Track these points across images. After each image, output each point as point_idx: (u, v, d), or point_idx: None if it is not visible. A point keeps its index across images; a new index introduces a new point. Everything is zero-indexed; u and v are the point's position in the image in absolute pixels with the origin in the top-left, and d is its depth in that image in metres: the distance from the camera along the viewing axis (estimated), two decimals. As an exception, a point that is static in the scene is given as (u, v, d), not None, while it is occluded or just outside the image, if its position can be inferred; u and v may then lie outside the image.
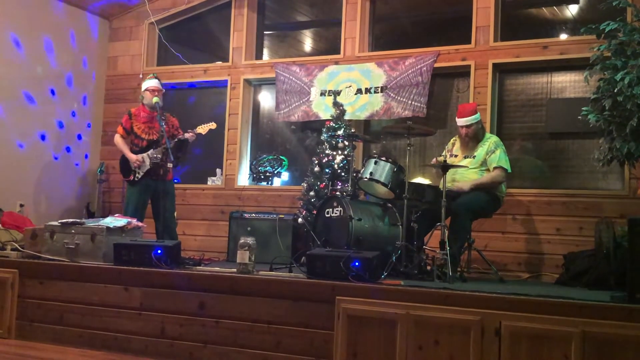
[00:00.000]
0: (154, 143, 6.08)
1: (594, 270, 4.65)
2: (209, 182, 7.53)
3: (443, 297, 3.82)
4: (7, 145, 6.91)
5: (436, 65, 6.46)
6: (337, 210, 5.14)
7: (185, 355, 4.40)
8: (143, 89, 6.27)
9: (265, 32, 7.78)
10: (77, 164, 7.77)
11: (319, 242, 5.09)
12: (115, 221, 5.29)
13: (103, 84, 8.09)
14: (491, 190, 5.25)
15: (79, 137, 7.79)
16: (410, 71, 6.53)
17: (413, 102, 6.45)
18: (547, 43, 6.16)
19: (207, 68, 7.67)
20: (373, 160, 5.10)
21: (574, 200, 5.87)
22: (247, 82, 7.48)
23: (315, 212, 5.53)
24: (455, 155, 5.43)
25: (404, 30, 7.35)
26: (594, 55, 4.94)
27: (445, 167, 4.81)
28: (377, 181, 5.00)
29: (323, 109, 6.82)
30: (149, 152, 6.04)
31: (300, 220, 6.04)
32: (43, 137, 7.34)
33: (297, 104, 7.04)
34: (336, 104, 6.36)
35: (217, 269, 4.89)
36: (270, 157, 7.22)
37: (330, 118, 6.33)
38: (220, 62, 7.68)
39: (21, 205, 6.92)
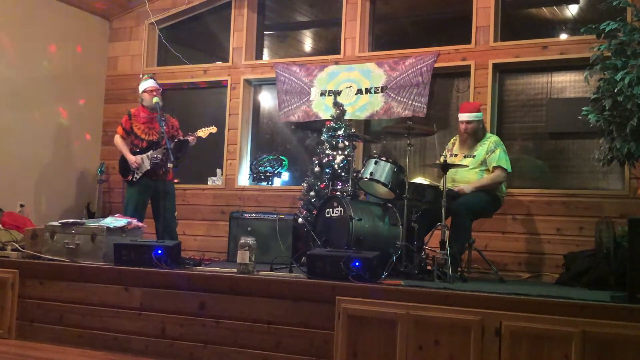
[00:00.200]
0: (153, 144, 6.08)
1: (594, 270, 4.64)
2: (209, 182, 7.53)
3: (443, 297, 3.82)
4: (7, 145, 6.91)
5: (436, 65, 6.46)
6: (338, 210, 5.14)
7: (186, 355, 4.40)
8: (141, 90, 6.25)
9: (265, 32, 7.78)
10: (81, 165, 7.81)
11: (319, 242, 5.09)
12: (115, 221, 5.29)
13: (103, 84, 8.09)
14: (491, 191, 5.25)
15: (80, 137, 7.79)
16: (410, 71, 6.53)
17: (413, 102, 6.45)
18: (547, 43, 6.16)
19: (207, 68, 7.67)
20: (373, 160, 5.10)
21: (574, 200, 5.87)
22: (247, 82, 7.48)
23: (315, 212, 5.53)
24: (455, 155, 5.43)
25: (404, 31, 7.35)
26: (594, 55, 4.94)
27: (445, 167, 4.81)
28: (378, 181, 5.00)
29: (323, 109, 6.83)
30: (149, 153, 6.05)
31: (300, 220, 6.04)
32: (43, 138, 7.34)
33: (297, 104, 7.04)
34: (336, 104, 6.36)
35: (217, 269, 4.89)
36: (271, 157, 7.22)
37: (331, 118, 6.33)
38: (220, 62, 7.68)
39: (21, 206, 6.92)
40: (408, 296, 3.87)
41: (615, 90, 4.61)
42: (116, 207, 7.50)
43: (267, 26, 7.78)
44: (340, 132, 6.13)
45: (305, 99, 6.99)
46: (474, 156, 5.32)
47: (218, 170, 7.49)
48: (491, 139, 5.38)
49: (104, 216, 6.00)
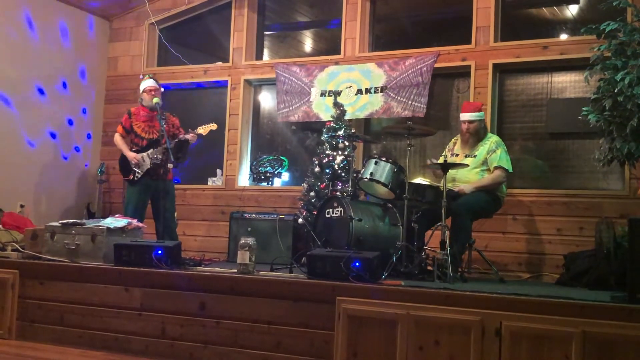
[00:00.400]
0: (154, 142, 6.08)
1: (594, 270, 4.64)
2: (209, 183, 7.53)
3: (443, 298, 3.81)
4: (7, 146, 6.91)
5: (436, 65, 6.46)
6: (338, 211, 5.14)
7: (186, 355, 4.40)
8: (141, 90, 6.27)
9: (265, 33, 7.78)
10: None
11: (319, 243, 5.09)
12: (115, 222, 5.29)
13: (103, 84, 8.09)
14: (492, 191, 5.25)
15: (81, 137, 7.79)
16: (410, 71, 6.53)
17: (413, 102, 6.45)
18: (547, 43, 6.16)
19: (207, 68, 7.68)
20: (373, 160, 5.10)
21: (574, 201, 5.87)
22: (248, 82, 7.48)
23: (315, 212, 5.53)
24: (456, 155, 5.43)
25: (404, 31, 7.35)
26: (594, 56, 4.94)
27: (445, 167, 4.81)
28: (378, 181, 5.00)
29: (323, 110, 6.83)
30: (149, 152, 6.05)
31: (300, 220, 6.05)
32: (43, 139, 7.34)
33: (297, 104, 7.04)
34: (336, 105, 6.36)
35: (217, 269, 4.89)
36: (271, 157, 7.22)
37: (331, 119, 6.33)
38: (221, 63, 7.68)
39: (22, 206, 6.92)
40: (408, 296, 3.87)
41: (616, 91, 4.61)
42: (116, 207, 7.50)
43: (267, 26, 7.78)
44: (341, 133, 6.13)
45: (306, 99, 6.99)
46: (475, 156, 5.32)
47: (218, 171, 7.49)
48: (492, 139, 5.38)
49: (104, 216, 6.00)
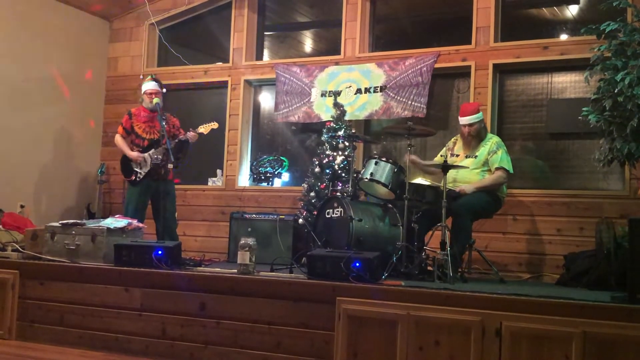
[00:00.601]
0: (154, 143, 6.08)
1: (594, 270, 4.64)
2: (210, 183, 7.53)
3: (444, 298, 3.81)
4: (7, 145, 6.91)
5: (436, 65, 6.46)
6: (338, 211, 5.14)
7: (186, 355, 4.40)
8: (142, 92, 6.28)
9: (265, 33, 7.78)
10: (81, 165, 7.82)
11: (319, 243, 5.09)
12: (115, 222, 5.29)
13: (103, 85, 8.09)
14: (492, 191, 5.25)
15: (80, 138, 7.80)
16: (410, 71, 6.53)
17: (413, 102, 6.45)
18: (547, 43, 6.16)
19: (207, 69, 7.68)
20: (373, 160, 5.10)
21: (574, 201, 5.87)
22: (248, 82, 7.49)
23: (315, 212, 5.53)
24: (457, 155, 5.43)
25: (404, 31, 7.35)
26: (595, 56, 4.94)
27: (445, 167, 4.81)
28: (378, 182, 5.00)
29: (324, 110, 6.83)
30: (150, 152, 6.05)
31: (300, 220, 6.04)
32: (43, 139, 7.35)
33: (298, 105, 7.04)
34: (337, 105, 6.37)
35: (217, 269, 4.89)
36: (271, 157, 7.22)
37: (331, 119, 6.33)
38: (221, 63, 7.68)
39: (22, 206, 6.91)
40: (408, 297, 3.87)
41: (616, 91, 4.61)
42: (116, 207, 7.50)
43: (268, 27, 7.78)
44: (341, 133, 6.13)
45: (307, 99, 6.99)
46: (475, 156, 5.32)
47: (218, 171, 7.49)
48: (493, 140, 5.38)
49: (104, 217, 6.00)
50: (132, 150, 6.13)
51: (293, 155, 7.33)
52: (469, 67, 6.38)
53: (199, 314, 4.40)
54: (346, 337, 3.94)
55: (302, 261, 4.87)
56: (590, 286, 4.55)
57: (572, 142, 6.13)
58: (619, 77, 4.58)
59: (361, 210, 5.04)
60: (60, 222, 5.29)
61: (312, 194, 6.11)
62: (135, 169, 6.07)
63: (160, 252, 4.72)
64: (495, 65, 6.30)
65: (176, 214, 6.40)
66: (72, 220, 5.30)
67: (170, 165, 5.88)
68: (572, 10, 6.52)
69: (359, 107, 6.72)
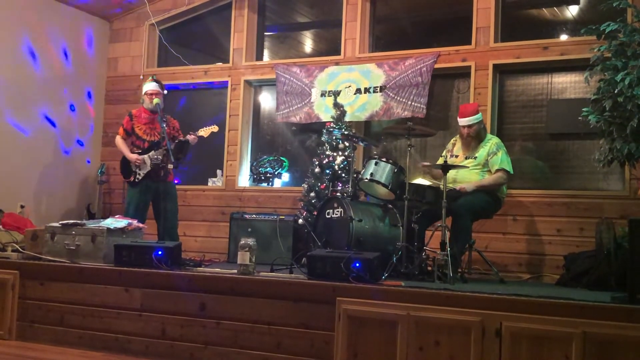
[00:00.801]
0: (155, 144, 6.08)
1: (594, 271, 4.64)
2: (210, 184, 7.53)
3: (444, 298, 3.81)
4: (7, 146, 6.91)
5: (436, 66, 6.46)
6: (338, 211, 5.14)
7: (186, 356, 4.40)
8: (143, 92, 6.29)
9: (265, 33, 7.78)
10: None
11: (319, 243, 5.09)
12: (115, 222, 5.29)
13: (103, 85, 8.09)
14: (492, 191, 5.25)
15: (80, 139, 7.80)
16: (410, 71, 6.53)
17: (412, 103, 6.45)
18: (547, 44, 6.16)
19: (207, 69, 7.68)
20: (373, 161, 5.10)
21: (574, 201, 5.87)
22: (248, 83, 7.49)
23: (315, 213, 5.53)
24: (456, 156, 5.43)
25: (404, 31, 7.35)
26: (595, 56, 4.94)
27: (445, 168, 4.81)
28: (378, 182, 5.00)
29: (324, 110, 6.83)
30: (150, 154, 6.05)
31: (300, 221, 6.05)
32: (43, 139, 7.35)
33: (298, 105, 7.04)
34: (337, 105, 6.37)
35: (217, 270, 4.89)
36: (271, 158, 7.22)
37: (331, 119, 6.33)
38: (221, 63, 7.68)
39: (22, 207, 6.92)
40: (408, 297, 3.87)
41: (616, 91, 4.61)
42: (116, 208, 7.50)
43: (268, 27, 7.78)
44: (338, 135, 6.13)
45: (307, 100, 6.99)
46: (475, 157, 5.32)
47: (218, 171, 7.49)
48: (493, 141, 5.38)
49: (105, 217, 6.00)
50: (132, 151, 6.13)
51: (293, 155, 7.33)
52: (469, 67, 6.38)
53: (199, 314, 4.40)
54: (346, 337, 3.94)
55: (302, 261, 4.87)
56: (590, 286, 4.55)
57: (572, 142, 6.13)
58: (619, 77, 4.58)
59: (361, 211, 5.04)
60: (60, 222, 5.29)
61: (312, 194, 6.11)
62: (134, 169, 6.07)
63: (160, 253, 4.72)
64: (495, 66, 6.30)
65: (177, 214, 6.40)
66: (72, 221, 5.29)
67: (170, 166, 5.89)
68: (572, 11, 6.52)
69: (359, 108, 6.72)
